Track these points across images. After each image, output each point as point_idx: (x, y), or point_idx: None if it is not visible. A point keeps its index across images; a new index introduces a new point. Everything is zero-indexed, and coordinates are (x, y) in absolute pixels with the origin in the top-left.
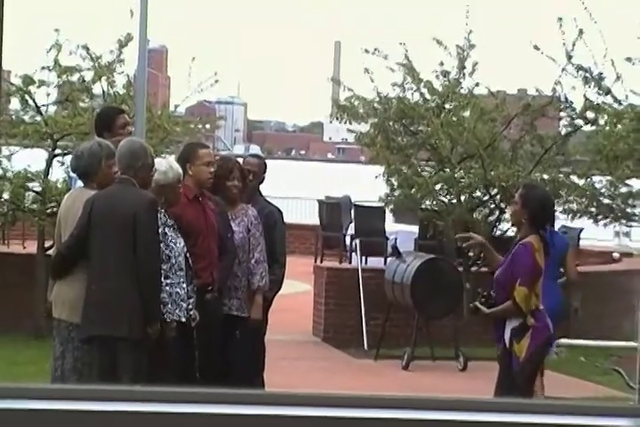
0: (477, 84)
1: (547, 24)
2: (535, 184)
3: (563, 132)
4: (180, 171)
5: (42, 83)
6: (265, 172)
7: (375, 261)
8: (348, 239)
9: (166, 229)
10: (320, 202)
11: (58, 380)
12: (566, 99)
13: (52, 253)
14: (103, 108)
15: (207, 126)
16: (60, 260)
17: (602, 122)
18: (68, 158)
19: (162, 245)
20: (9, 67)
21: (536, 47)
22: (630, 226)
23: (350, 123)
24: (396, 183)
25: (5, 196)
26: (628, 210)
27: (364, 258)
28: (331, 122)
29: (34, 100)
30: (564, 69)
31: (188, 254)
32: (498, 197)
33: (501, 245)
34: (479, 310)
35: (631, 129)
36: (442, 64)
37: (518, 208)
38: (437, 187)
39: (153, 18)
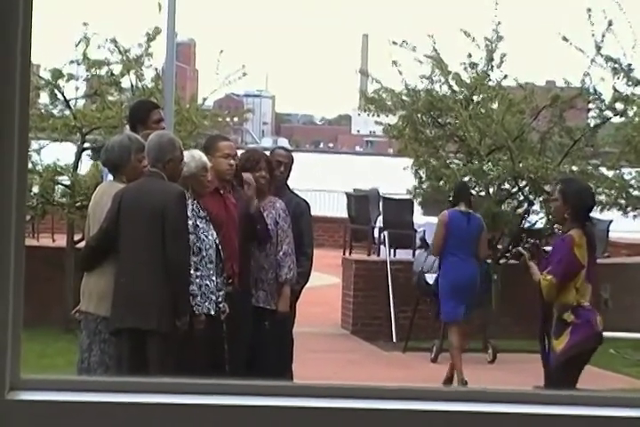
0: (505, 76)
1: (575, 15)
2: (571, 178)
3: (591, 124)
4: (204, 159)
5: (70, 76)
6: (292, 164)
7: (403, 254)
8: (376, 232)
9: (197, 221)
10: (348, 195)
11: (84, 372)
12: (595, 90)
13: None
14: (138, 102)
15: (235, 119)
16: (88, 253)
17: (631, 113)
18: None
19: (193, 237)
20: (38, 61)
21: (564, 38)
22: None
23: (378, 115)
24: (424, 175)
25: (35, 189)
26: None
27: (392, 250)
28: (359, 114)
29: (63, 94)
30: (592, 61)
31: (219, 247)
32: (526, 188)
33: (530, 237)
34: (522, 256)
35: None
36: (470, 56)
37: (559, 205)
38: (466, 179)
39: (181, 11)
